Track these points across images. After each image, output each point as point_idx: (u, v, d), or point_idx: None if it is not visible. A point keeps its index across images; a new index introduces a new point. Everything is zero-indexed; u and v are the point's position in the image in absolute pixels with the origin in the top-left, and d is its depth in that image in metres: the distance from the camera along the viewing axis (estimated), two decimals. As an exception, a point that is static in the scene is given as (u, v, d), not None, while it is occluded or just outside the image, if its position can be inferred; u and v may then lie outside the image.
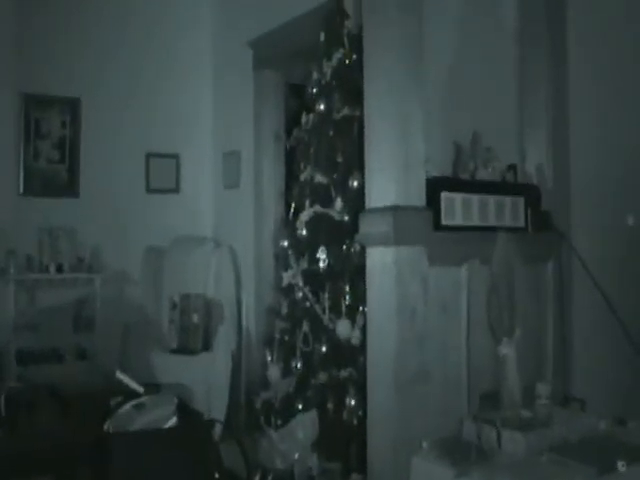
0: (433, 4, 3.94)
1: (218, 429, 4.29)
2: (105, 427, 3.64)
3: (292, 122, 5.39)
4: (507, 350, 3.80)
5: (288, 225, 4.83)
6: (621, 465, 3.14)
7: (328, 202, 4.45)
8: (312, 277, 4.48)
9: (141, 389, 3.97)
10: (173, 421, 3.69)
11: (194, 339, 6.07)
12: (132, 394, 3.90)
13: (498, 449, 3.31)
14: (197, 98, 7.06)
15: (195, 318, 6.09)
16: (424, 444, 3.40)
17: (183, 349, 6.04)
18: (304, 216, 4.56)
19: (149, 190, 6.89)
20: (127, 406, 3.75)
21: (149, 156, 6.88)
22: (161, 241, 6.57)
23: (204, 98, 7.07)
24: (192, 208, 6.94)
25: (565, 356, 4.28)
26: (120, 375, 4.01)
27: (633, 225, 4.43)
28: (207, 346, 6.01)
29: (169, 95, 6.87)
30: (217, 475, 3.64)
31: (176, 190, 6.99)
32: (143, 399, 3.81)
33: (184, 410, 3.73)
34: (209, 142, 7.05)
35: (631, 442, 3.41)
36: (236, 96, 6.60)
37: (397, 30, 3.75)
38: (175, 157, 6.99)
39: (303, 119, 4.76)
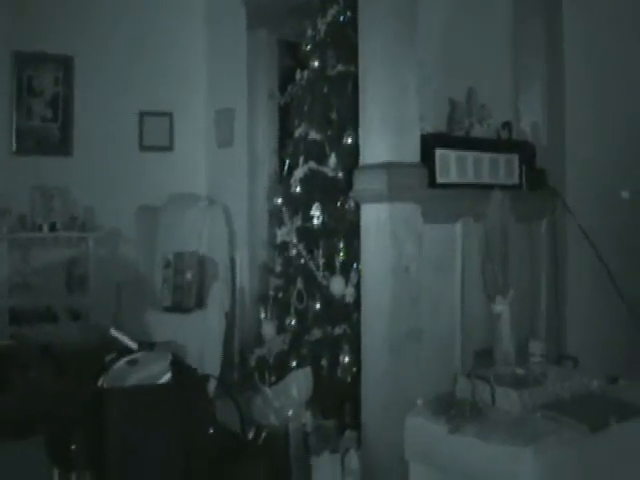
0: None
1: (212, 385, 4.29)
2: (99, 383, 3.64)
3: (286, 79, 5.35)
4: (501, 308, 3.81)
5: (282, 182, 4.82)
6: (613, 421, 3.17)
7: (322, 159, 4.43)
8: (306, 234, 4.48)
9: (135, 346, 3.96)
10: (167, 377, 3.69)
11: (188, 297, 6.06)
12: (126, 351, 3.90)
13: (492, 406, 3.33)
14: (191, 56, 7.00)
15: (189, 276, 6.08)
16: (418, 401, 3.41)
17: (177, 307, 6.04)
18: (298, 173, 4.55)
19: (142, 148, 6.84)
20: (121, 362, 3.74)
21: (142, 114, 6.82)
22: (155, 200, 6.55)
23: (198, 56, 7.01)
24: (186, 166, 6.91)
25: (558, 315, 4.30)
26: (114, 332, 4.00)
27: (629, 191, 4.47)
28: (201, 304, 6.01)
29: (162, 53, 6.81)
30: (211, 430, 3.65)
31: (170, 148, 6.95)
32: (137, 355, 3.80)
33: (178, 366, 3.72)
34: (203, 100, 7.00)
35: (622, 400, 3.44)
36: (230, 54, 6.54)
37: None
38: (168, 115, 6.94)
39: (297, 76, 4.73)
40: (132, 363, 3.74)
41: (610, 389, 3.58)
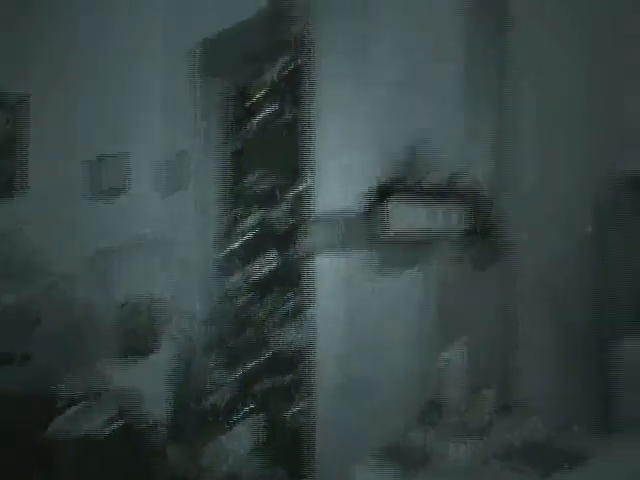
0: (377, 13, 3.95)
1: (164, 433, 4.26)
2: (48, 432, 3.59)
3: (238, 125, 5.36)
4: (453, 356, 3.82)
5: (233, 229, 4.81)
6: (564, 468, 3.19)
7: (274, 206, 4.44)
8: (257, 282, 4.47)
9: (86, 393, 3.92)
10: (118, 425, 3.66)
11: (141, 341, 6.02)
12: (77, 398, 3.86)
13: (443, 456, 3.33)
14: (146, 101, 7.00)
15: (142, 320, 6.04)
16: (370, 450, 3.41)
17: (130, 351, 5.99)
18: (249, 221, 4.54)
19: (97, 190, 6.81)
20: (71, 410, 3.71)
21: (98, 156, 6.80)
22: (109, 243, 6.50)
23: (153, 100, 7.02)
24: (140, 210, 6.88)
25: (510, 362, 4.31)
26: (65, 379, 3.96)
27: (585, 232, 4.50)
28: (154, 349, 5.97)
29: (118, 95, 6.80)
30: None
31: (124, 191, 6.92)
32: (88, 403, 3.77)
33: (128, 414, 3.69)
34: (158, 143, 6.99)
35: (574, 446, 3.45)
36: (184, 99, 6.55)
37: (343, 34, 3.77)
38: (124, 158, 6.92)
39: (249, 121, 4.74)
40: (82, 411, 3.70)
41: (561, 436, 3.61)
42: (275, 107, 4.57)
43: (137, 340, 6.01)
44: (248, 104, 4.91)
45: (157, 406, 5.44)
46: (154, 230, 6.84)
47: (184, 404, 5.79)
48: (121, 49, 6.80)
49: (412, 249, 3.91)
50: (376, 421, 3.69)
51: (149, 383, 5.57)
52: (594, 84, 4.62)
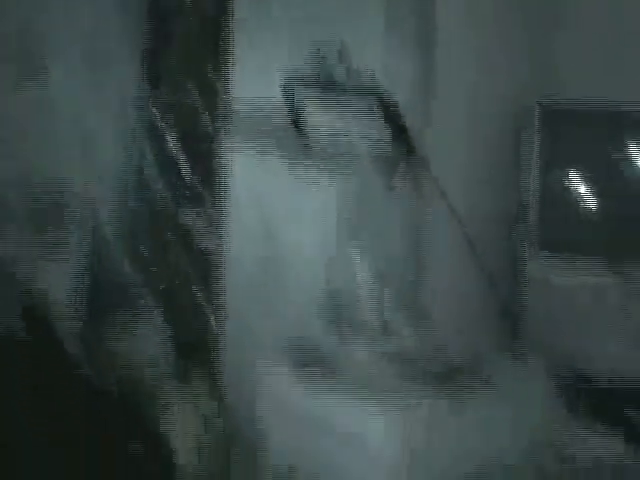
0: None
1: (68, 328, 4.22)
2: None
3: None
4: (358, 258, 3.85)
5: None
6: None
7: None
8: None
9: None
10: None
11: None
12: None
13: (345, 359, 3.38)
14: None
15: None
16: (273, 348, 3.45)
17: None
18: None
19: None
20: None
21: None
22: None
23: None
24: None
25: (417, 272, 4.36)
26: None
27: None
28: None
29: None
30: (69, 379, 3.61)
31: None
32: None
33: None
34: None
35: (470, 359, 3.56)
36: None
37: None
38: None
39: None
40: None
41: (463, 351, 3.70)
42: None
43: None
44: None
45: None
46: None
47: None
48: None
49: (327, 158, 3.91)
50: (282, 322, 3.72)
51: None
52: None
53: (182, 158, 4.34)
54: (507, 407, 3.47)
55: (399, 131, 4.21)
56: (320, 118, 3.85)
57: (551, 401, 3.67)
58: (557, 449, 3.56)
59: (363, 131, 4.07)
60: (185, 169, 4.34)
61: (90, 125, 5.72)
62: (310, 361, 3.30)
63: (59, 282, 5.33)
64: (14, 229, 4.81)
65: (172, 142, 4.39)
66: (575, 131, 4.56)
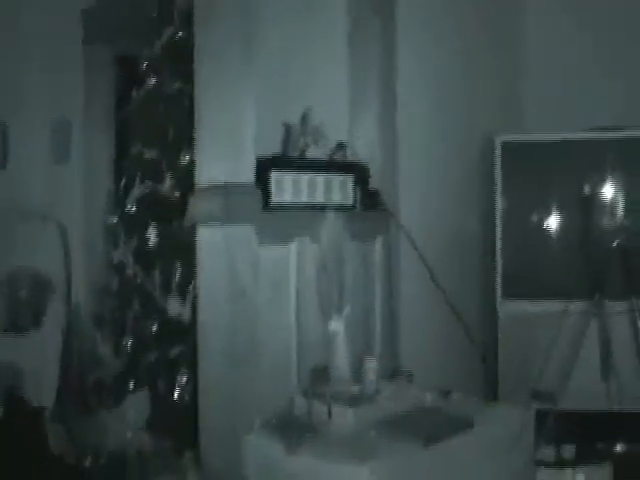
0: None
1: (47, 415, 4.21)
2: None
3: (123, 95, 5.30)
4: (336, 326, 3.88)
5: (118, 201, 4.77)
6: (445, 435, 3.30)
7: (158, 178, 4.41)
8: (142, 254, 4.45)
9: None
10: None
11: (22, 316, 5.92)
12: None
13: (328, 424, 3.38)
14: (26, 67, 6.82)
15: (23, 295, 5.93)
16: (256, 421, 3.44)
17: (12, 327, 5.88)
18: (134, 192, 4.51)
19: (-26, 162, 6.63)
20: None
21: (-26, 127, 6.61)
22: (-12, 216, 6.35)
23: (33, 67, 6.84)
24: (19, 182, 6.72)
25: (393, 330, 4.40)
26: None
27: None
28: (36, 324, 5.87)
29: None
30: (46, 465, 3.58)
31: (3, 163, 6.75)
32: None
33: (10, 398, 3.63)
34: (39, 113, 6.83)
35: (455, 413, 3.56)
36: (66, 67, 6.42)
37: (229, 9, 3.76)
38: (1, 127, 6.74)
39: (134, 93, 4.69)
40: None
41: (443, 403, 3.72)
42: (160, 79, 4.53)
43: (18, 315, 5.91)
44: (133, 75, 4.85)
45: (42, 383, 5.37)
46: (36, 202, 6.73)
47: (69, 380, 5.74)
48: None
49: (295, 221, 3.93)
50: (263, 392, 3.72)
51: (33, 359, 5.49)
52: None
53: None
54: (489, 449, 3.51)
55: (368, 192, 4.27)
56: (288, 191, 3.89)
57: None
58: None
59: (334, 197, 4.12)
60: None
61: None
62: (297, 433, 3.30)
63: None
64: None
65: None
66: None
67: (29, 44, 6.73)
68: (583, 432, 4.50)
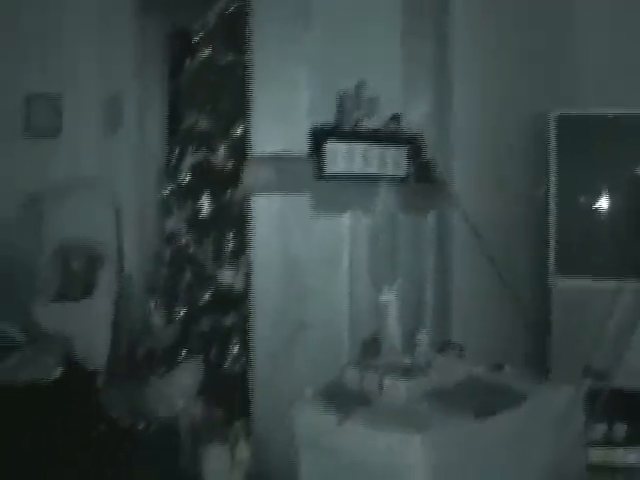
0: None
1: (101, 379, 4.25)
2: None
3: (177, 66, 5.30)
4: (388, 298, 3.87)
5: (172, 171, 4.78)
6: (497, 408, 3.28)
7: (212, 147, 4.42)
8: (196, 224, 4.46)
9: (23, 339, 3.89)
10: (58, 372, 3.63)
11: (75, 286, 5.96)
12: (14, 345, 3.83)
13: (379, 395, 3.38)
14: (80, 37, 6.84)
15: (75, 265, 5.98)
16: (307, 391, 3.44)
17: (64, 296, 5.93)
18: (188, 162, 4.52)
19: (28, 132, 6.68)
20: (11, 357, 3.67)
21: (29, 97, 6.66)
22: (40, 186, 6.40)
23: (87, 38, 6.86)
24: (73, 152, 6.76)
25: (445, 303, 4.38)
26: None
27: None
28: (89, 293, 5.92)
29: (51, 34, 6.64)
30: (100, 427, 3.62)
31: (57, 132, 6.79)
32: (26, 349, 3.74)
33: (67, 361, 3.67)
34: (93, 84, 6.86)
35: (507, 386, 3.54)
36: (119, 38, 6.44)
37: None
38: (57, 98, 6.78)
39: (187, 64, 4.70)
40: (21, 358, 3.67)
41: (495, 376, 3.69)
42: (214, 50, 4.53)
43: (72, 284, 5.96)
44: (188, 45, 4.85)
45: (94, 351, 5.43)
46: (90, 172, 6.78)
47: (121, 348, 5.79)
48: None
49: (348, 191, 3.92)
50: (314, 363, 3.73)
51: (85, 327, 5.54)
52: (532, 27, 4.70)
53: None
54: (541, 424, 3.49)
55: (422, 164, 4.24)
56: (344, 165, 3.87)
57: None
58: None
59: (387, 169, 4.10)
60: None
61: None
62: (348, 403, 3.30)
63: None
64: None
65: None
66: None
67: (80, 16, 6.78)
68: (635, 411, 4.45)
